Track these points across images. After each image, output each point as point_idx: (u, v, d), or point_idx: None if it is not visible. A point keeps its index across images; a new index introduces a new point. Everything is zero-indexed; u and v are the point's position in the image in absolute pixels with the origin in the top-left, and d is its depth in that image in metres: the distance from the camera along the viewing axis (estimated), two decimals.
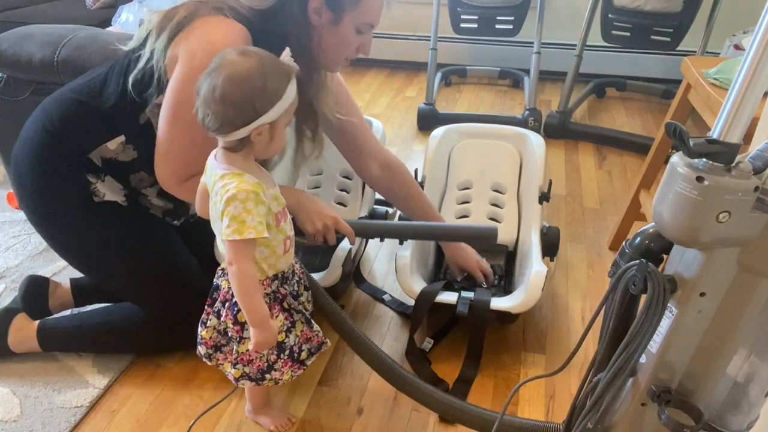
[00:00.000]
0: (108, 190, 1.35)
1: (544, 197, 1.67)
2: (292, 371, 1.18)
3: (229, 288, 1.12)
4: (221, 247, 1.10)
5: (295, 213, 1.25)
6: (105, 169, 1.34)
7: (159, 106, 1.25)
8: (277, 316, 1.14)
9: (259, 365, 1.15)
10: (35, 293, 1.54)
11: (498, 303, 1.46)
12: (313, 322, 1.20)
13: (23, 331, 1.46)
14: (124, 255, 1.38)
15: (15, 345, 1.46)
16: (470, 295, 1.46)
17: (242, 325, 1.12)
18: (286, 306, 1.15)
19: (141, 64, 1.25)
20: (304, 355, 1.19)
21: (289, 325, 1.16)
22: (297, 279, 1.21)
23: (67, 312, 1.57)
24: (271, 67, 1.02)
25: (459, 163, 1.82)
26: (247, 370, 1.15)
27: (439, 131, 1.84)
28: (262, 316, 1.06)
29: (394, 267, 1.57)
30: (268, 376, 1.16)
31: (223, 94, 0.99)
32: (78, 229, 1.37)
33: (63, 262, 1.78)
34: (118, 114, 1.30)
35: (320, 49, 1.28)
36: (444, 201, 1.78)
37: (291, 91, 1.04)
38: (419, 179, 1.74)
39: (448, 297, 1.47)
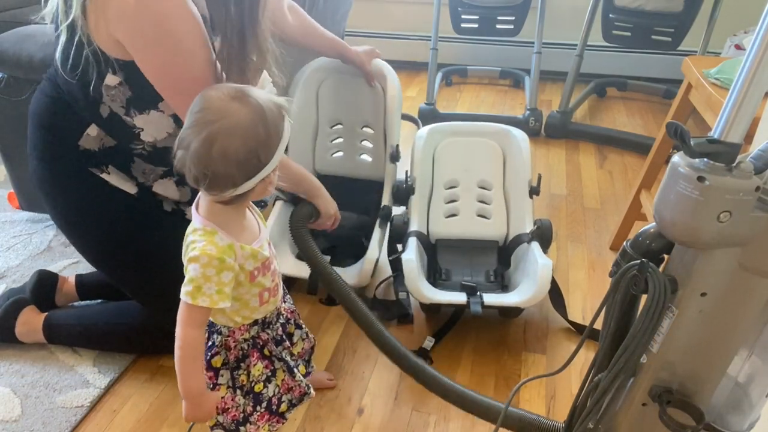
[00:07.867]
0: (116, 181, 1.31)
1: (533, 191, 1.68)
2: (269, 425, 1.10)
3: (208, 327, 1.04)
4: None
5: (315, 198, 1.41)
6: (105, 158, 1.29)
7: (111, 88, 1.17)
8: (255, 365, 1.06)
9: (234, 415, 1.07)
10: (44, 288, 1.55)
11: (508, 298, 1.47)
12: (296, 370, 1.11)
13: (30, 324, 1.48)
14: (130, 251, 1.34)
15: (22, 335, 1.48)
16: (477, 294, 1.47)
17: (216, 371, 1.05)
18: (266, 353, 1.07)
19: (62, 46, 1.14)
20: (284, 407, 1.10)
21: (269, 374, 1.08)
22: (283, 321, 1.12)
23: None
24: (270, 110, 0.91)
25: (444, 162, 1.81)
26: (221, 419, 1.06)
27: (423, 131, 1.83)
28: (195, 389, 0.96)
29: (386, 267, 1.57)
30: (242, 428, 1.08)
31: (224, 150, 0.87)
32: (87, 216, 1.33)
33: (64, 263, 1.78)
34: (79, 103, 1.25)
35: None
36: (432, 200, 1.77)
37: (287, 128, 0.95)
38: (409, 181, 1.73)
39: (457, 298, 1.48)
